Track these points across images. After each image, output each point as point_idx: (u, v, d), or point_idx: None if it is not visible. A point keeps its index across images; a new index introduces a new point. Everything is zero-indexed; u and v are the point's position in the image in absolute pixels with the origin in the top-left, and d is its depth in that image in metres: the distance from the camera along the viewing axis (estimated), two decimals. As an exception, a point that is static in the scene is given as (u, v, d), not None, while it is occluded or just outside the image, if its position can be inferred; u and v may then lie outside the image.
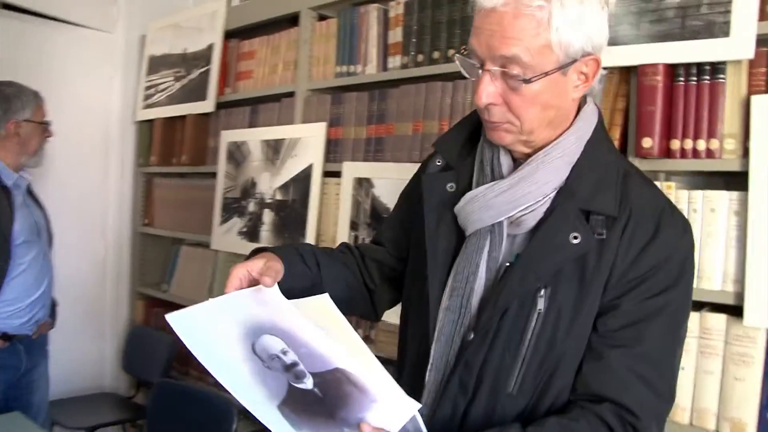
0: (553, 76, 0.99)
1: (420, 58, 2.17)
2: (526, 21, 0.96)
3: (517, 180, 1.05)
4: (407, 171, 2.15)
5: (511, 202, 1.05)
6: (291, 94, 2.58)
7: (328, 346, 1.01)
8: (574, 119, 1.07)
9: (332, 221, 2.42)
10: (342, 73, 2.41)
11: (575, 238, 1.01)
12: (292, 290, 1.10)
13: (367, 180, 2.28)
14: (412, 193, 1.30)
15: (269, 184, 2.62)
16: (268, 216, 2.62)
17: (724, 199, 1.54)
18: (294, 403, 0.98)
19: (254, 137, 2.68)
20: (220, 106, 2.90)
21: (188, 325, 1.01)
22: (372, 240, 1.40)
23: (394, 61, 2.26)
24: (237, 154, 2.76)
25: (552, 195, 1.05)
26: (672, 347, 1.04)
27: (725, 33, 1.52)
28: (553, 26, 0.96)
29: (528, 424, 1.00)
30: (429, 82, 2.13)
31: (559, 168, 1.05)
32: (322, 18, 2.55)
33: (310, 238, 2.42)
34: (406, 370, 1.19)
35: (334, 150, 2.42)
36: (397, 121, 2.21)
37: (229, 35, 2.89)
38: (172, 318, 0.99)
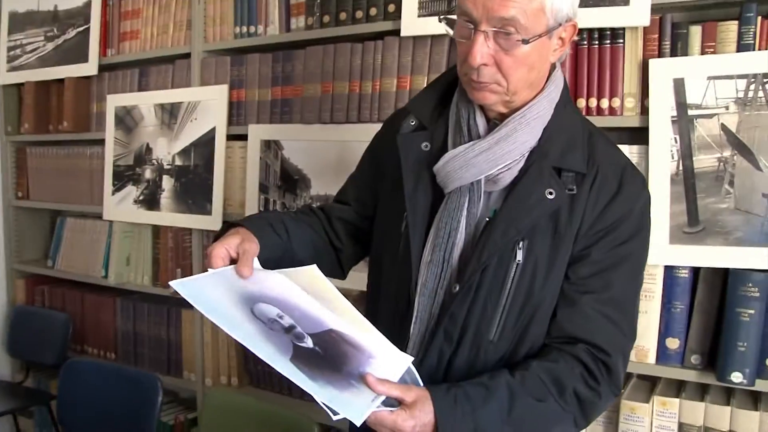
0: (541, 39, 1.06)
1: (326, 19, 2.17)
2: None
3: (497, 140, 1.11)
4: (318, 132, 2.20)
5: (491, 160, 1.11)
6: (186, 56, 2.49)
7: (318, 309, 1.06)
8: (546, 82, 1.14)
9: (239, 185, 2.39)
10: (241, 34, 2.36)
11: (550, 193, 1.09)
12: (267, 261, 1.14)
13: (276, 142, 2.27)
14: (378, 151, 1.34)
15: (167, 150, 2.53)
16: (167, 182, 2.54)
17: (626, 152, 1.71)
18: (302, 359, 1.03)
19: (147, 101, 2.57)
20: (103, 68, 2.74)
21: (192, 290, 1.05)
22: (335, 199, 1.42)
23: (298, 21, 2.24)
24: (127, 119, 2.63)
25: (526, 154, 1.12)
26: (635, 291, 1.17)
27: (625, 2, 1.68)
28: None
29: (512, 369, 1.10)
30: (338, 43, 2.14)
31: (535, 128, 1.12)
32: (213, -24, 2.46)
33: (216, 202, 2.39)
34: (382, 325, 1.18)
35: (237, 113, 2.38)
36: (305, 82, 2.21)
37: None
38: (176, 284, 1.04)
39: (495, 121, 1.15)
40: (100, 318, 2.81)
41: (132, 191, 2.62)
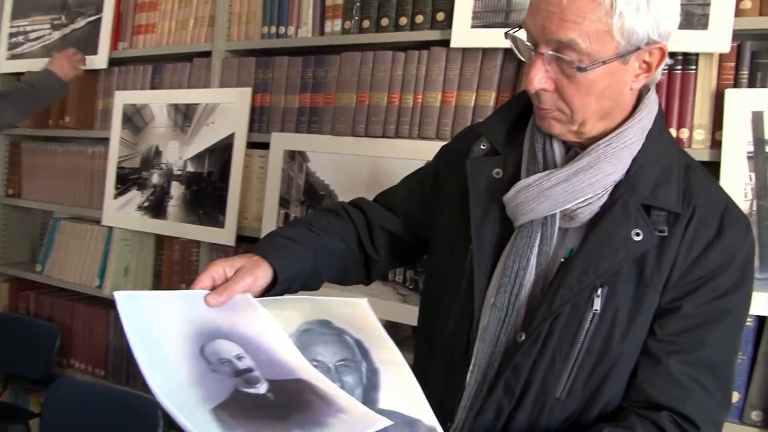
0: (611, 65, 0.94)
1: (366, 23, 2.07)
2: (585, 3, 0.91)
3: (576, 170, 1.01)
4: (350, 145, 2.09)
5: (569, 193, 1.01)
6: (206, 54, 2.38)
7: (295, 357, 1.00)
8: (635, 108, 1.04)
9: (256, 197, 2.27)
10: (269, 34, 2.25)
11: (637, 234, 0.98)
12: (291, 286, 1.11)
13: (301, 153, 2.16)
14: (442, 171, 1.24)
15: (178, 154, 2.40)
16: (176, 189, 2.41)
17: (696, 187, 1.62)
18: (235, 406, 0.93)
19: (159, 100, 2.44)
20: (113, 62, 2.62)
21: (135, 308, 0.97)
22: (381, 201, 1.32)
23: (333, 25, 2.14)
24: (136, 119, 2.50)
25: (610, 188, 1.02)
26: (732, 353, 1.05)
27: (703, 25, 1.59)
28: (616, 10, 0.91)
29: None
30: (377, 50, 2.04)
31: (622, 159, 1.01)
32: (241, -29, 2.35)
33: (231, 214, 2.26)
34: (437, 365, 1.14)
35: (259, 119, 2.27)
36: (339, 90, 2.10)
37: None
38: (121, 296, 0.96)
39: (576, 149, 1.06)
40: (91, 331, 2.66)
41: (136, 196, 2.49)
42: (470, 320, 1.06)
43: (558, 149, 1.06)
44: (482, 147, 1.14)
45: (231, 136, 2.27)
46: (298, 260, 1.14)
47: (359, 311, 1.09)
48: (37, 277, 2.84)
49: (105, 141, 2.61)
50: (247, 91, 2.25)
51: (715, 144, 1.62)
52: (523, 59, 1.03)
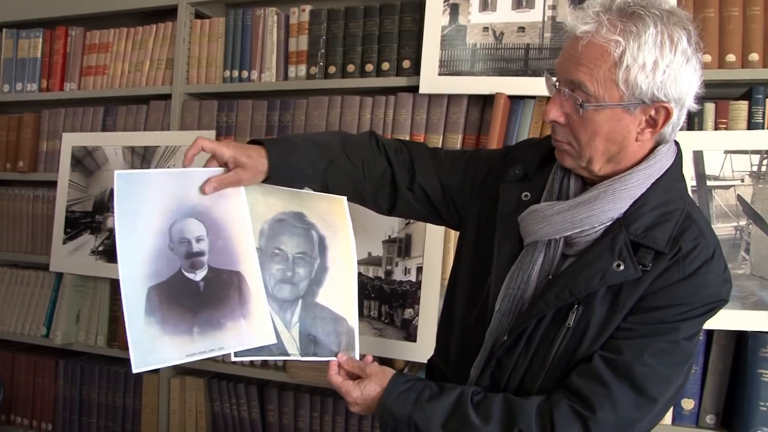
0: (615, 111, 1.09)
1: (332, 69, 2.23)
2: (598, 52, 1.08)
3: (577, 203, 1.17)
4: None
5: (567, 221, 1.17)
6: (163, 97, 2.44)
7: (245, 249, 1.23)
8: (645, 157, 1.16)
9: (219, 238, 2.35)
10: (231, 78, 2.36)
11: (619, 266, 1.11)
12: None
13: (268, 194, 2.26)
14: (480, 185, 1.40)
15: (135, 197, 2.44)
16: (134, 233, 2.44)
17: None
18: (169, 289, 1.17)
19: (114, 142, 2.47)
20: (60, 104, 2.62)
21: (130, 186, 1.16)
22: (434, 161, 1.44)
23: (297, 70, 2.28)
24: (87, 161, 2.52)
25: (608, 224, 1.16)
26: (659, 376, 1.12)
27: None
28: (623, 64, 1.06)
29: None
30: (345, 95, 2.20)
31: (620, 200, 1.15)
32: (198, 16, 2.45)
33: (194, 257, 2.32)
34: (453, 357, 1.35)
35: (222, 161, 2.35)
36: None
37: (67, 22, 2.63)
38: (120, 174, 1.16)
39: (589, 186, 1.22)
40: (36, 383, 2.61)
41: (89, 240, 2.49)
42: (483, 326, 1.25)
43: (574, 183, 1.22)
44: (517, 172, 1.31)
45: (193, 178, 2.34)
46: (304, 178, 1.32)
47: (336, 206, 1.34)
48: (-30, 328, 2.75)
49: (49, 184, 2.60)
50: (210, 134, 2.33)
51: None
52: (550, 95, 1.20)
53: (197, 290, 1.18)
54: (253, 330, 1.23)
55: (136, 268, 1.14)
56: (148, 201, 1.17)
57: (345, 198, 1.36)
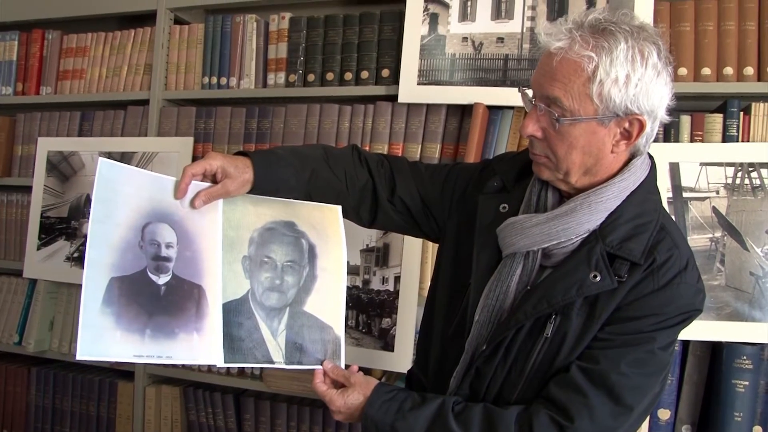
0: (590, 124, 1.12)
1: (311, 77, 2.24)
2: (572, 68, 1.11)
3: (555, 216, 1.19)
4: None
5: (544, 234, 1.19)
6: (142, 103, 2.45)
7: (211, 266, 1.24)
8: (620, 170, 1.19)
9: (197, 245, 2.35)
10: (210, 85, 2.37)
11: (595, 277, 1.15)
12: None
13: (246, 202, 2.27)
14: (459, 196, 1.42)
15: (112, 203, 2.43)
16: (109, 239, 2.43)
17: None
18: (131, 285, 1.17)
19: (90, 148, 2.47)
20: (33, 107, 2.62)
21: (111, 176, 1.18)
22: (415, 175, 1.46)
23: (276, 77, 2.29)
24: (63, 167, 2.51)
25: (584, 235, 1.19)
26: (634, 385, 1.14)
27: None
28: (597, 79, 1.09)
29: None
30: (323, 103, 2.22)
31: (596, 212, 1.18)
32: (177, 22, 2.46)
33: (171, 264, 2.32)
34: (432, 367, 1.37)
35: (200, 168, 2.35)
36: (285, 141, 2.25)
37: (44, 24, 2.62)
38: (104, 161, 1.17)
39: (566, 199, 1.25)
40: (8, 391, 2.59)
41: (64, 247, 2.49)
42: (462, 336, 1.27)
43: (551, 196, 1.25)
44: (495, 184, 1.34)
45: (171, 185, 2.35)
46: (288, 189, 1.34)
47: (330, 215, 1.38)
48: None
49: (24, 189, 2.60)
50: (189, 140, 2.34)
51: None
52: (527, 110, 1.22)
53: (158, 293, 1.19)
54: (204, 346, 1.23)
55: (102, 255, 1.15)
56: (128, 195, 1.19)
57: (340, 207, 1.39)
